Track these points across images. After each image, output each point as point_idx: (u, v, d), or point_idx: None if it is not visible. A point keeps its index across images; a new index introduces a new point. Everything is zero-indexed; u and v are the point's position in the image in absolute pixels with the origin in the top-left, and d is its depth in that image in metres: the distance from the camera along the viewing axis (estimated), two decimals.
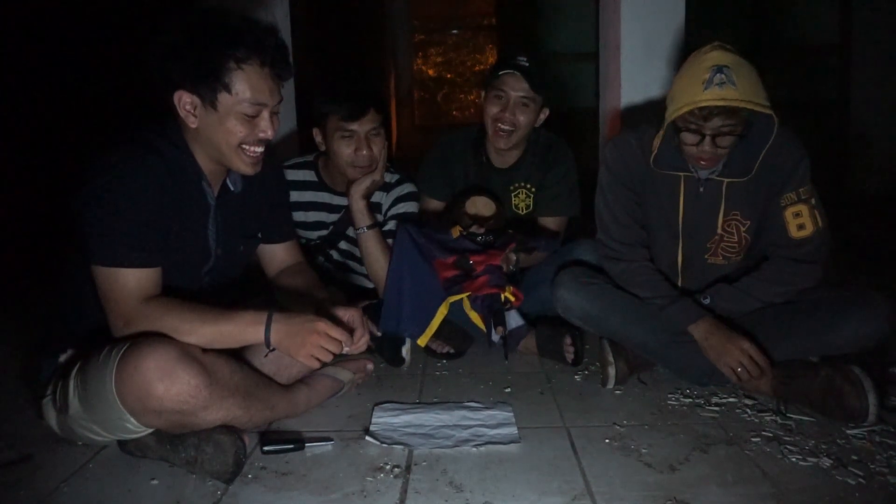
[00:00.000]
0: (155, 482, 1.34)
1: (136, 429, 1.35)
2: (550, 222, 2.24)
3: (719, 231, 1.77)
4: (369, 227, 2.04)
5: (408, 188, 2.18)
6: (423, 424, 1.58)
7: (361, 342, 1.55)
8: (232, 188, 1.59)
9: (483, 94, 2.23)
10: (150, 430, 1.37)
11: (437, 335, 2.10)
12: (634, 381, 1.84)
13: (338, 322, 1.51)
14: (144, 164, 1.39)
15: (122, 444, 1.43)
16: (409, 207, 2.17)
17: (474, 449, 1.45)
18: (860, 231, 3.77)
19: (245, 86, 1.40)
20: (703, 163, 1.66)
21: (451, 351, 2.07)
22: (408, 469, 1.38)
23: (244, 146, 1.46)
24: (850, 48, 5.19)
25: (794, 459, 1.39)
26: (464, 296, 1.94)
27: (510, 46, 5.91)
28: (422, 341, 1.97)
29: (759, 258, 1.80)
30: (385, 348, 1.98)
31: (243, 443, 1.37)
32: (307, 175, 2.17)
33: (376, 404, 1.69)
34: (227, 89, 1.40)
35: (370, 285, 2.17)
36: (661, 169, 1.76)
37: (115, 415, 1.32)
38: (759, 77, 1.59)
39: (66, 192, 1.41)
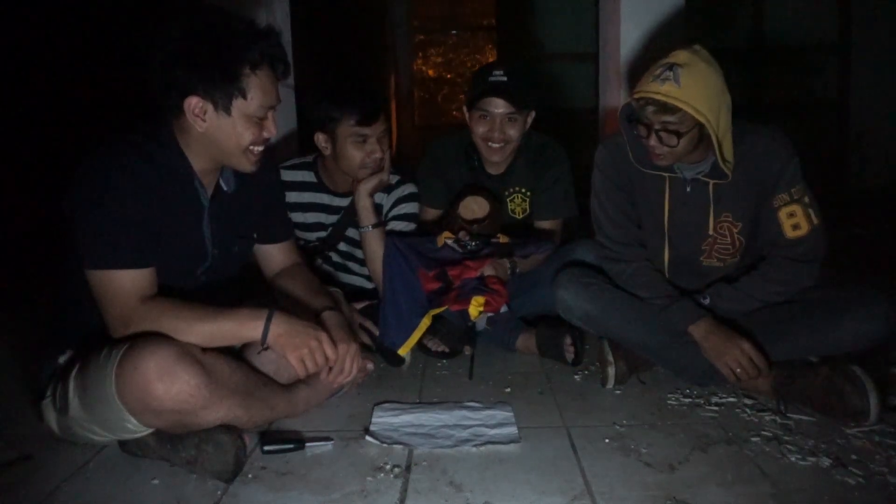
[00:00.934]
0: (155, 482, 1.35)
1: (136, 429, 1.35)
2: (547, 224, 2.23)
3: (711, 233, 1.77)
4: (374, 226, 2.04)
5: (408, 189, 2.18)
6: (423, 424, 1.58)
7: (340, 378, 1.57)
8: (225, 188, 1.58)
9: (466, 109, 2.19)
10: (151, 430, 1.37)
11: (435, 334, 2.10)
12: (634, 381, 1.84)
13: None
14: (130, 165, 1.38)
15: (122, 444, 1.43)
16: (410, 208, 2.17)
17: (474, 449, 1.45)
18: (859, 230, 3.77)
19: (258, 91, 1.43)
20: (657, 158, 1.67)
21: (447, 350, 2.07)
22: (408, 469, 1.38)
23: (252, 147, 1.48)
24: (849, 48, 5.20)
25: (793, 459, 1.39)
26: (442, 310, 1.95)
27: (510, 47, 5.91)
28: (402, 351, 1.96)
29: (757, 258, 1.81)
30: (385, 348, 1.98)
31: (243, 442, 1.37)
32: (306, 176, 2.17)
33: (376, 404, 1.69)
34: (243, 95, 1.42)
35: (370, 286, 2.17)
36: (645, 168, 1.76)
37: (115, 415, 1.32)
38: (716, 84, 1.58)
39: (61, 193, 1.41)
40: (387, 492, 1.30)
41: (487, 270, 1.97)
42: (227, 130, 1.44)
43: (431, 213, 2.27)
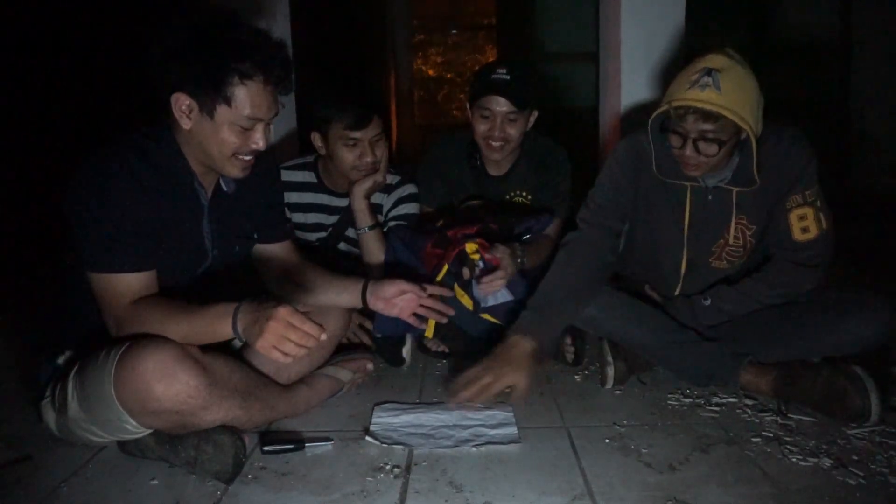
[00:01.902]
0: (155, 482, 1.34)
1: (135, 429, 1.35)
2: (549, 228, 2.22)
3: (728, 239, 1.75)
4: (371, 228, 2.04)
5: (409, 189, 2.18)
6: (423, 424, 1.58)
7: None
8: (225, 189, 1.58)
9: (468, 107, 2.19)
10: (150, 431, 1.37)
11: (435, 334, 2.10)
12: (634, 381, 1.84)
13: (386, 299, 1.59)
14: (129, 166, 1.38)
15: (121, 444, 1.43)
16: (411, 209, 2.17)
17: (474, 449, 1.45)
18: (861, 230, 3.77)
19: (245, 101, 1.39)
20: (691, 168, 1.63)
21: (446, 350, 2.07)
22: (408, 469, 1.38)
23: (237, 155, 1.45)
24: (850, 48, 5.19)
25: (794, 459, 1.39)
26: (443, 272, 1.91)
27: (510, 47, 5.91)
28: (429, 332, 1.96)
29: (762, 259, 1.80)
30: (385, 348, 1.98)
31: (243, 443, 1.37)
32: (307, 176, 2.17)
33: (376, 404, 1.69)
34: (227, 102, 1.38)
35: None
36: (666, 177, 1.73)
37: (114, 416, 1.32)
38: (754, 88, 1.55)
39: (59, 195, 1.41)
40: (387, 492, 1.30)
41: (502, 258, 1.90)
42: (209, 134, 1.41)
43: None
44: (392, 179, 2.17)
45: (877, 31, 5.04)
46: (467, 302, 1.94)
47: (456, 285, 1.94)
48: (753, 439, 1.49)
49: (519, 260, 1.95)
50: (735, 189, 1.70)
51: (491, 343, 1.85)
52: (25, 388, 1.74)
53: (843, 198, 4.69)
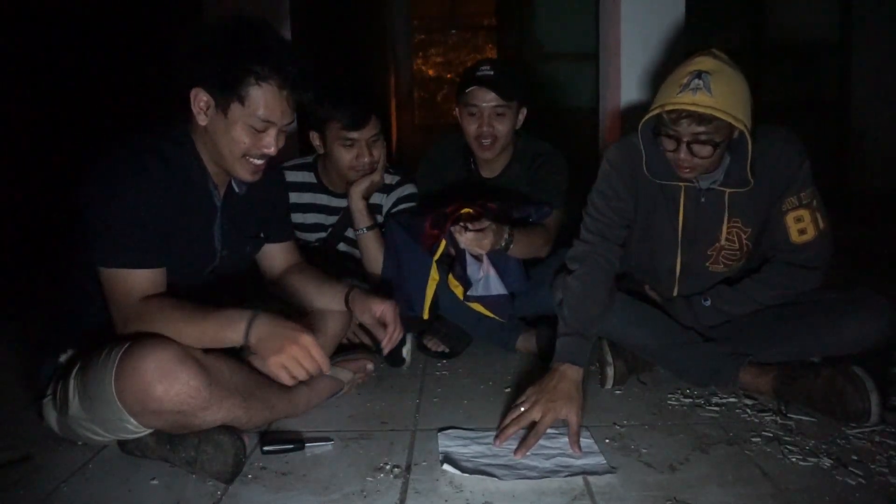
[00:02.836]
0: (155, 482, 1.34)
1: (135, 429, 1.35)
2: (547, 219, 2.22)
3: (722, 242, 1.75)
4: (369, 229, 2.04)
5: (408, 189, 2.18)
6: (499, 454, 1.43)
7: (395, 336, 1.63)
8: (237, 190, 1.59)
9: (456, 109, 2.19)
10: (150, 431, 1.37)
11: (435, 334, 2.10)
12: (634, 381, 1.84)
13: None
14: (144, 165, 1.39)
15: (122, 444, 1.43)
16: (410, 209, 2.17)
17: (556, 483, 1.32)
18: (860, 230, 3.77)
19: (259, 102, 1.42)
20: (685, 171, 1.62)
21: (446, 350, 2.07)
22: (408, 469, 1.38)
23: (247, 157, 1.47)
24: (849, 48, 5.19)
25: (794, 459, 1.39)
26: (440, 249, 1.90)
27: (510, 47, 5.91)
28: (424, 314, 1.95)
29: (760, 261, 1.80)
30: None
31: (243, 443, 1.37)
32: (306, 177, 2.17)
33: (440, 430, 1.56)
34: (241, 101, 1.41)
35: (368, 287, 2.16)
36: (658, 178, 1.72)
37: (114, 415, 1.32)
38: (745, 89, 1.54)
39: (68, 192, 1.42)
40: (387, 492, 1.30)
41: (481, 239, 1.85)
42: (223, 131, 1.44)
43: None
44: (391, 179, 2.17)
45: (876, 31, 5.03)
46: (458, 290, 1.93)
47: (450, 276, 1.93)
48: (753, 439, 1.49)
49: (506, 235, 1.89)
50: (728, 191, 1.70)
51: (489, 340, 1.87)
52: (26, 388, 1.74)
53: (841, 198, 4.71)
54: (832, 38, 5.29)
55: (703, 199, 1.73)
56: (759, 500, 1.25)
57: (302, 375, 1.38)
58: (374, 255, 2.05)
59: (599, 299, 1.72)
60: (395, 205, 2.15)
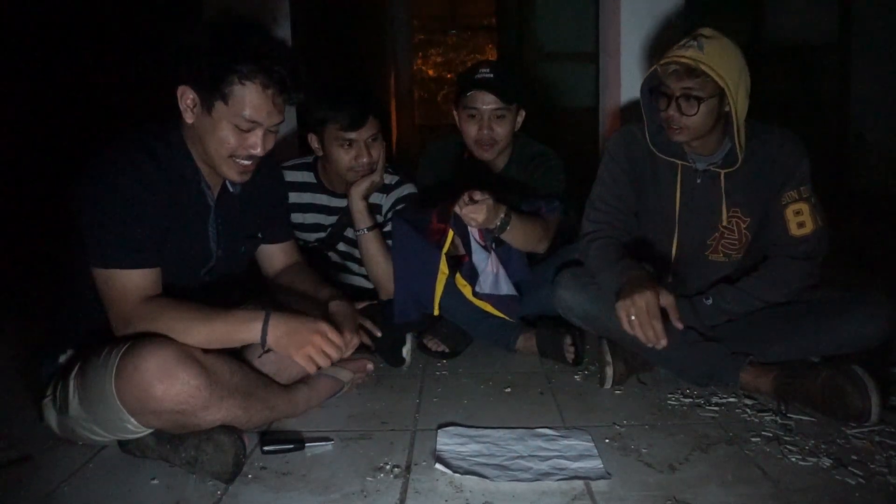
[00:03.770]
0: (155, 482, 1.34)
1: (135, 429, 1.35)
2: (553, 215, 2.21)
3: (724, 224, 1.77)
4: (369, 229, 2.04)
5: (408, 189, 2.18)
6: (495, 455, 1.43)
7: (352, 343, 1.57)
8: (231, 189, 1.59)
9: (455, 113, 2.19)
10: (150, 431, 1.37)
11: (435, 334, 2.10)
12: (634, 381, 1.84)
13: (337, 326, 1.52)
14: (135, 163, 1.39)
15: (122, 444, 1.43)
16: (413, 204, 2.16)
17: (556, 483, 1.32)
18: (859, 230, 3.77)
19: (243, 101, 1.40)
20: (675, 131, 1.67)
21: (446, 350, 2.07)
22: (408, 469, 1.38)
23: (234, 157, 1.46)
24: (849, 48, 5.19)
25: (794, 459, 1.39)
26: (448, 240, 1.89)
27: (510, 47, 5.91)
28: (435, 310, 1.95)
29: (759, 258, 1.81)
30: (385, 348, 1.98)
31: (243, 443, 1.37)
32: (306, 177, 2.16)
33: (439, 426, 1.57)
34: (224, 99, 1.40)
35: (369, 286, 2.17)
36: (659, 152, 1.77)
37: (114, 415, 1.32)
38: (738, 58, 1.63)
39: (66, 192, 1.42)
40: (387, 492, 1.30)
41: (477, 211, 1.79)
42: (208, 130, 1.43)
43: None
44: (391, 180, 2.16)
45: (876, 31, 5.03)
46: (466, 289, 1.93)
47: (458, 275, 1.93)
48: (753, 439, 1.49)
49: (503, 215, 1.84)
50: (722, 171, 1.73)
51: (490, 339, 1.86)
52: (26, 388, 1.74)
53: (841, 198, 4.71)
54: (832, 38, 5.29)
55: (699, 181, 1.76)
56: (759, 500, 1.25)
57: (325, 363, 1.43)
58: (374, 256, 2.05)
59: (623, 251, 1.79)
60: (394, 205, 2.15)
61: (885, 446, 1.44)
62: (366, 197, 2.05)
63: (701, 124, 1.65)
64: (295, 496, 1.29)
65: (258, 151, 1.46)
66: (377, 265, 2.05)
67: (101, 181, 1.37)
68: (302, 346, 1.41)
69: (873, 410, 1.51)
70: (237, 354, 1.57)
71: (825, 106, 5.34)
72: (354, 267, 2.21)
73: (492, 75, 2.09)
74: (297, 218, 2.12)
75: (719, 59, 1.60)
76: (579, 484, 1.31)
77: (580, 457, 1.42)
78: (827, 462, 1.37)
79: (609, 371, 1.79)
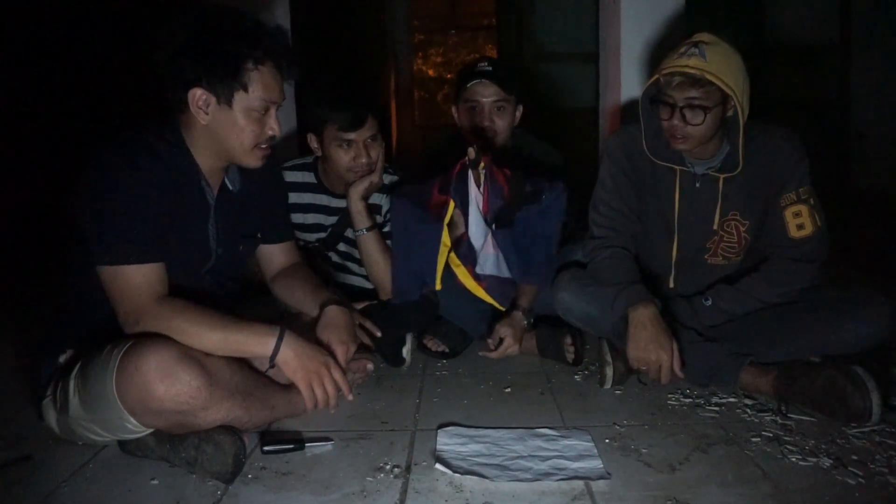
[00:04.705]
0: (155, 482, 1.34)
1: (136, 429, 1.35)
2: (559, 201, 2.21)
3: (716, 229, 1.77)
4: (368, 230, 2.03)
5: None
6: (495, 455, 1.43)
7: (351, 349, 1.65)
8: (231, 188, 1.59)
9: (455, 108, 2.20)
10: (151, 431, 1.37)
11: (435, 334, 2.10)
12: (634, 381, 1.84)
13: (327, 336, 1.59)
14: (135, 161, 1.39)
15: (122, 444, 1.43)
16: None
17: (555, 483, 1.32)
18: (860, 230, 3.77)
19: (260, 85, 1.44)
20: (678, 141, 1.66)
21: (446, 350, 2.07)
22: (408, 469, 1.38)
23: (258, 146, 1.49)
24: (850, 48, 5.19)
25: (794, 459, 1.39)
26: (450, 211, 1.88)
27: (510, 47, 5.91)
28: (437, 283, 1.95)
29: (759, 259, 1.81)
30: (385, 348, 1.98)
31: (243, 443, 1.37)
32: (306, 177, 2.16)
33: (440, 426, 1.57)
34: (245, 88, 1.43)
35: (369, 286, 2.17)
36: (658, 158, 1.76)
37: (115, 415, 1.32)
38: (739, 64, 1.62)
39: (66, 192, 1.42)
40: (387, 492, 1.30)
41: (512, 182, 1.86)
42: (228, 124, 1.45)
43: None
44: (390, 180, 2.16)
45: (876, 31, 5.03)
46: (459, 269, 1.91)
47: (452, 253, 1.90)
48: (753, 439, 1.49)
49: (525, 324, 2.00)
50: (721, 176, 1.72)
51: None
52: (26, 388, 1.74)
53: (841, 198, 4.71)
54: (832, 39, 5.29)
55: (697, 185, 1.75)
56: (759, 500, 1.25)
57: (322, 397, 1.49)
58: (373, 256, 2.04)
59: (632, 266, 1.80)
60: None
61: (885, 446, 1.44)
62: (365, 197, 2.05)
63: (705, 133, 1.64)
64: (295, 496, 1.29)
65: (277, 131, 1.51)
66: (377, 265, 2.05)
67: (102, 180, 1.37)
68: (307, 373, 1.47)
69: (874, 410, 1.50)
70: None
71: (826, 106, 5.34)
72: (355, 267, 2.21)
73: (490, 67, 2.12)
74: (297, 218, 2.12)
75: (724, 67, 1.58)
76: (579, 484, 1.31)
77: (580, 457, 1.42)
78: (827, 462, 1.37)
79: (609, 371, 1.79)
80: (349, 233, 2.14)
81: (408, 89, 9.36)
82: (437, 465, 1.37)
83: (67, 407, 1.38)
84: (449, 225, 1.91)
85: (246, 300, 1.74)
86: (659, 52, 2.72)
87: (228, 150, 1.49)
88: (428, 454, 1.44)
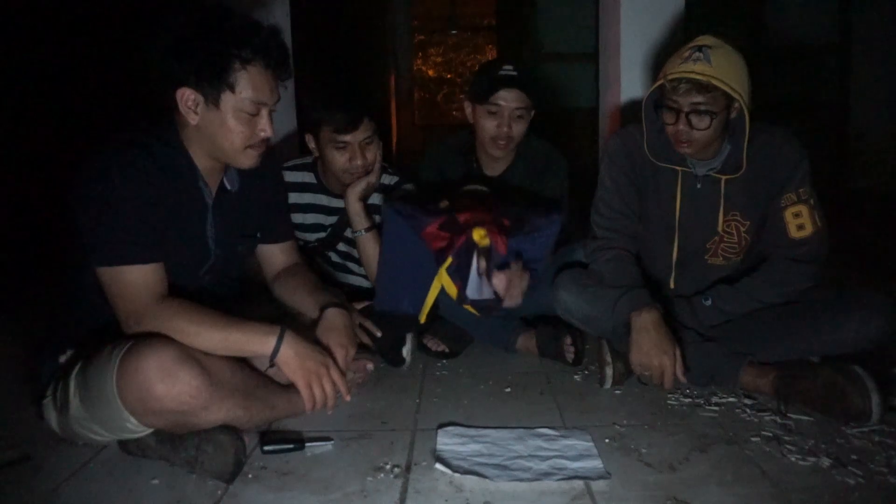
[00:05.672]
0: (155, 482, 1.34)
1: (136, 429, 1.35)
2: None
3: (720, 231, 1.77)
4: (367, 230, 2.03)
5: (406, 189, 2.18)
6: (495, 455, 1.43)
7: (351, 352, 1.64)
8: (229, 187, 1.59)
9: (471, 107, 2.18)
10: (151, 430, 1.37)
11: (435, 334, 2.10)
12: (634, 381, 1.84)
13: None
14: (131, 161, 1.38)
15: (122, 444, 1.43)
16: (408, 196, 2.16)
17: (555, 483, 1.32)
18: (859, 230, 3.77)
19: (248, 86, 1.41)
20: (683, 145, 1.66)
21: (446, 350, 2.07)
22: (408, 469, 1.38)
23: (250, 147, 1.47)
24: (849, 48, 5.20)
25: (793, 459, 1.39)
26: (448, 263, 1.85)
27: (510, 47, 5.91)
28: (422, 318, 1.94)
29: (759, 259, 1.81)
30: (385, 348, 1.98)
31: (243, 443, 1.37)
32: (306, 177, 2.16)
33: (440, 426, 1.57)
34: (231, 89, 1.41)
35: (369, 286, 2.17)
36: (658, 160, 1.76)
37: (115, 415, 1.32)
38: (743, 66, 1.61)
39: (64, 192, 1.41)
40: (387, 492, 1.30)
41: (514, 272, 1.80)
42: (218, 126, 1.44)
43: None
44: (390, 180, 2.16)
45: (876, 32, 5.04)
46: (451, 289, 1.87)
47: (443, 270, 1.87)
48: (753, 439, 1.49)
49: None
50: (723, 177, 1.72)
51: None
52: (26, 388, 1.74)
53: (841, 198, 4.71)
54: (832, 39, 5.30)
55: (699, 186, 1.75)
56: (758, 499, 1.25)
57: (321, 397, 1.48)
58: (372, 257, 2.04)
59: (634, 270, 1.79)
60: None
61: (885, 446, 1.44)
62: (363, 198, 2.04)
63: (710, 137, 1.64)
64: (295, 496, 1.29)
65: (268, 132, 1.48)
66: (376, 267, 2.04)
67: (98, 180, 1.37)
68: (307, 373, 1.46)
69: (874, 410, 1.50)
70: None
71: (826, 106, 5.34)
72: (354, 267, 2.21)
73: (515, 73, 2.09)
74: (297, 218, 2.12)
75: (729, 71, 1.57)
76: (579, 484, 1.31)
77: (580, 457, 1.41)
78: (827, 462, 1.37)
79: (609, 371, 1.79)
80: (349, 233, 2.14)
81: (408, 89, 9.36)
82: (437, 465, 1.38)
83: (67, 407, 1.38)
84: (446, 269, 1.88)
85: (246, 300, 1.74)
86: (659, 53, 2.72)
87: (220, 151, 1.48)
88: (428, 454, 1.44)
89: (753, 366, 1.72)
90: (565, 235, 2.15)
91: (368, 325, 2.00)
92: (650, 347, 1.64)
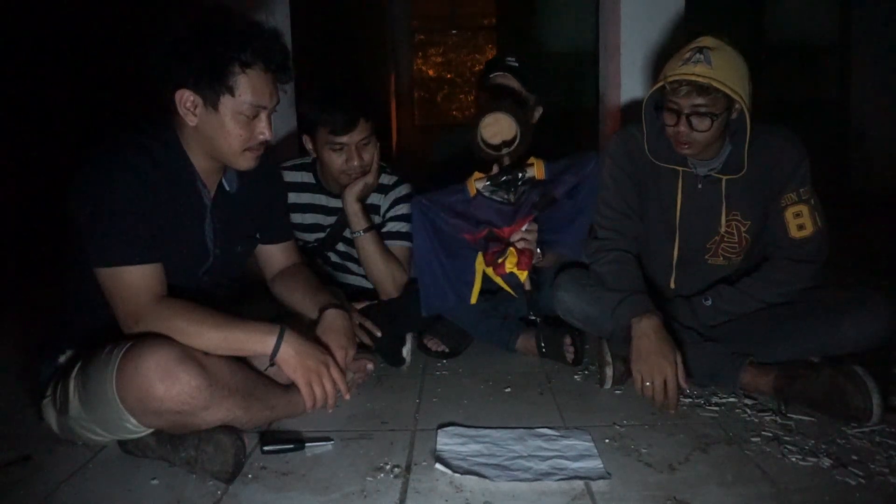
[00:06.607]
0: (155, 482, 1.34)
1: (136, 429, 1.35)
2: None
3: (722, 231, 1.77)
4: (366, 231, 2.03)
5: (405, 189, 2.17)
6: (495, 455, 1.43)
7: (350, 352, 1.64)
8: (228, 188, 1.59)
9: (477, 100, 2.22)
10: (151, 430, 1.37)
11: (435, 334, 2.10)
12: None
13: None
14: (130, 161, 1.38)
15: (122, 444, 1.43)
16: (408, 209, 2.16)
17: (555, 483, 1.32)
18: (860, 230, 3.77)
19: (248, 89, 1.41)
20: (683, 146, 1.66)
21: (447, 350, 2.07)
22: (408, 469, 1.38)
23: (248, 149, 1.47)
24: (849, 48, 5.19)
25: (793, 459, 1.39)
26: (485, 269, 1.91)
27: (509, 47, 5.91)
28: (474, 299, 1.96)
29: (759, 259, 1.81)
30: (385, 348, 1.98)
31: (243, 443, 1.37)
32: (305, 177, 2.16)
33: (439, 426, 1.57)
34: (231, 92, 1.40)
35: (369, 286, 2.17)
36: (659, 161, 1.76)
37: (115, 415, 1.32)
38: (744, 67, 1.61)
39: (63, 193, 1.41)
40: (387, 492, 1.30)
41: (518, 240, 1.87)
42: (216, 128, 1.43)
43: None
44: (389, 180, 2.16)
45: (876, 31, 5.04)
46: (479, 260, 1.93)
47: (480, 255, 1.92)
48: (753, 439, 1.49)
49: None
50: (724, 178, 1.72)
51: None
52: (25, 388, 1.74)
53: (842, 198, 4.71)
54: (832, 38, 5.29)
55: (699, 186, 1.75)
56: (758, 499, 1.25)
57: (321, 396, 1.48)
58: (371, 257, 2.04)
59: (636, 273, 1.79)
60: (392, 205, 2.15)
61: (885, 446, 1.44)
62: (360, 199, 2.04)
63: (711, 138, 1.64)
64: (295, 496, 1.29)
65: (268, 135, 1.48)
66: (375, 266, 2.04)
67: (97, 181, 1.37)
68: (307, 371, 1.46)
69: (874, 410, 1.50)
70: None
71: (826, 106, 5.34)
72: (354, 267, 2.21)
73: (516, 63, 2.15)
74: (296, 218, 2.12)
75: (730, 72, 1.57)
76: (579, 484, 1.31)
77: (580, 457, 1.41)
78: (827, 462, 1.37)
79: (609, 371, 1.79)
80: (348, 233, 2.14)
81: (408, 89, 9.35)
82: (437, 465, 1.38)
83: (67, 407, 1.38)
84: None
85: (246, 300, 1.74)
86: (659, 53, 2.72)
87: (218, 153, 1.47)
88: (428, 454, 1.44)
89: (754, 366, 1.72)
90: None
91: (368, 325, 2.00)
92: (650, 353, 1.63)
